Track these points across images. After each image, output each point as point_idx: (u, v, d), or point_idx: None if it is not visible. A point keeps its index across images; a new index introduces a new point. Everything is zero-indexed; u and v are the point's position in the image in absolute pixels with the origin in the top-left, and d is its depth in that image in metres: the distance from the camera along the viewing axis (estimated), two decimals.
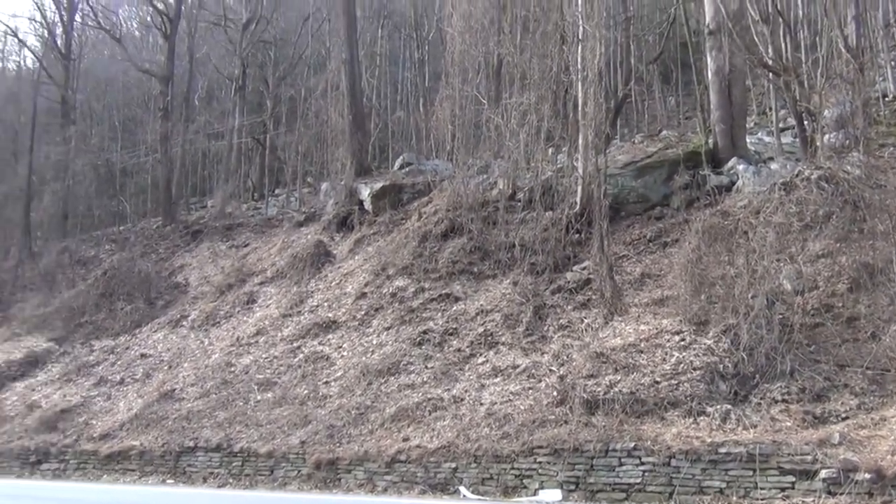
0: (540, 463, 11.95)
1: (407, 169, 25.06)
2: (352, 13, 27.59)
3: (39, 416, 19.85)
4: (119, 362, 21.69)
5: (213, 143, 35.59)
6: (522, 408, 13.26)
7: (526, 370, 14.39)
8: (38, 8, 38.33)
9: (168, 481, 15.93)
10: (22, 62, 46.07)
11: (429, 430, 13.56)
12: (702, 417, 11.45)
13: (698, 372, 12.25)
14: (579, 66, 17.90)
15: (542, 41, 19.57)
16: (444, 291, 17.93)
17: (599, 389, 12.51)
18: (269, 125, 33.67)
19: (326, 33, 33.79)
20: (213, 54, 37.39)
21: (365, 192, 23.65)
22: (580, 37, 17.95)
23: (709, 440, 10.77)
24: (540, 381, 13.92)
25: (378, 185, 23.54)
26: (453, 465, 12.70)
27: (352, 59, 26.73)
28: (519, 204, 19.35)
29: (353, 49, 27.17)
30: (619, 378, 12.66)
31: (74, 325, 24.88)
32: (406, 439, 13.50)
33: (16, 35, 41.60)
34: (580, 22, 17.96)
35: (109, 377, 20.95)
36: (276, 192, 32.69)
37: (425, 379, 15.29)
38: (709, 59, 19.38)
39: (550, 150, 20.28)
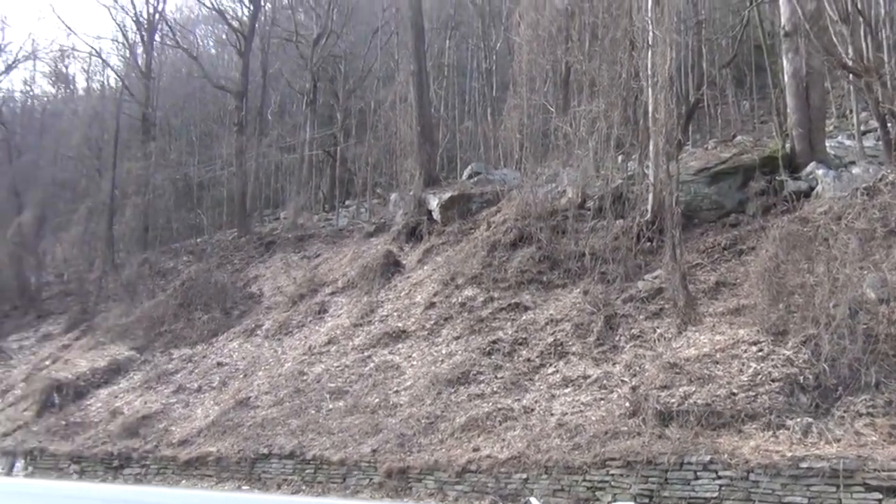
0: (612, 475, 11.77)
1: (475, 179, 25.11)
2: (419, 25, 27.84)
3: (122, 422, 20.57)
4: (196, 370, 22.29)
5: (285, 156, 36.37)
6: (594, 419, 13.10)
7: (597, 380, 14.21)
8: (121, 29, 39.81)
9: (243, 487, 16.28)
10: (105, 82, 48.02)
11: (499, 441, 13.51)
12: (781, 431, 11.09)
13: (777, 384, 11.88)
14: (649, 72, 17.65)
15: (611, 48, 19.36)
16: (513, 301, 17.87)
17: (673, 401, 12.26)
18: (340, 137, 34.24)
19: (395, 46, 34.19)
20: (285, 69, 38.28)
21: (434, 203, 23.78)
22: (650, 42, 17.71)
23: (789, 454, 10.42)
24: (611, 391, 13.73)
25: (447, 195, 23.64)
26: (524, 475, 12.62)
27: (420, 70, 26.96)
28: (588, 212, 19.16)
29: (421, 61, 27.40)
30: (693, 389, 12.38)
31: (154, 334, 25.69)
32: (476, 449, 13.49)
33: (100, 56, 43.45)
34: (650, 27, 17.72)
35: (187, 385, 21.55)
36: (347, 203, 33.18)
37: (495, 389, 15.25)
38: (785, 62, 18.85)
39: (620, 158, 20.02)
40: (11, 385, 26.85)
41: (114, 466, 19.28)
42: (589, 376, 14.44)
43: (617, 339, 15.36)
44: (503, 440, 13.48)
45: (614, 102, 18.87)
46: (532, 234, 19.30)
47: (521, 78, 22.18)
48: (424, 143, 25.94)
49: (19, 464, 21.48)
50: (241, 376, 20.69)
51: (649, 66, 17.71)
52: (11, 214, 38.04)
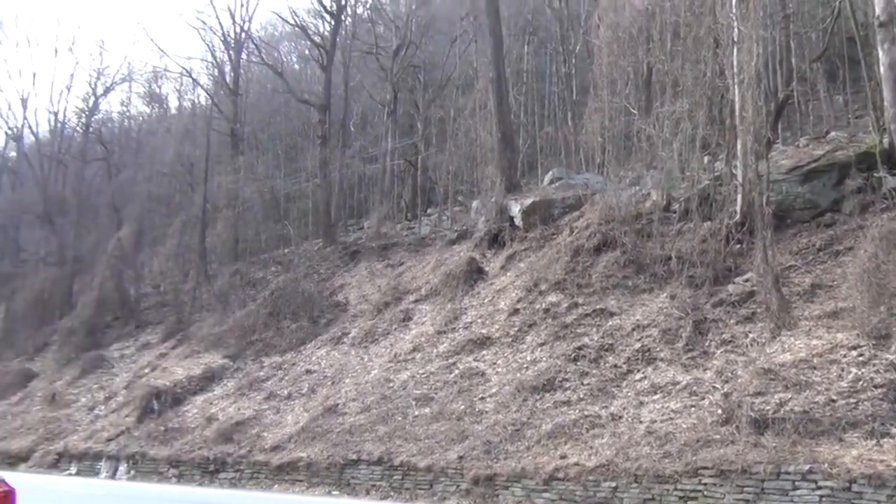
0: (705, 484, 11.47)
1: (557, 184, 24.93)
2: (498, 33, 27.89)
3: (217, 428, 21.27)
4: (286, 378, 22.86)
5: (367, 166, 36.98)
6: (684, 426, 12.80)
7: (687, 387, 13.88)
8: (209, 49, 41.14)
9: (333, 493, 16.58)
10: (196, 100, 49.88)
11: (587, 448, 13.36)
12: (886, 439, 10.59)
13: (880, 390, 11.35)
14: (735, 70, 17.17)
15: (695, 46, 18.91)
16: (598, 306, 17.65)
17: (768, 408, 11.86)
18: (421, 147, 34.60)
19: (473, 54, 34.33)
20: (366, 81, 38.96)
21: (515, 209, 23.73)
22: (735, 39, 17.23)
23: (895, 464, 9.94)
24: (703, 398, 13.39)
25: (528, 201, 23.55)
26: (613, 484, 12.44)
27: (499, 77, 26.99)
28: (674, 215, 18.77)
29: (500, 67, 27.42)
30: (789, 396, 11.95)
31: (246, 342, 26.47)
32: (563, 457, 13.37)
33: (190, 75, 44.97)
34: (735, 24, 17.25)
35: (278, 392, 22.12)
36: (429, 211, 33.47)
37: (581, 395, 15.09)
38: (880, 53, 17.98)
39: (706, 159, 19.54)
40: (114, 392, 28.16)
41: (210, 471, 19.95)
42: (678, 383, 14.12)
43: (707, 344, 14.98)
44: (591, 448, 13.32)
45: (699, 102, 18.43)
46: (616, 239, 19.02)
47: (602, 81, 21.91)
48: (505, 150, 25.93)
49: (122, 468, 22.49)
50: (329, 383, 21.11)
51: (735, 63, 17.23)
52: (111, 230, 39.99)
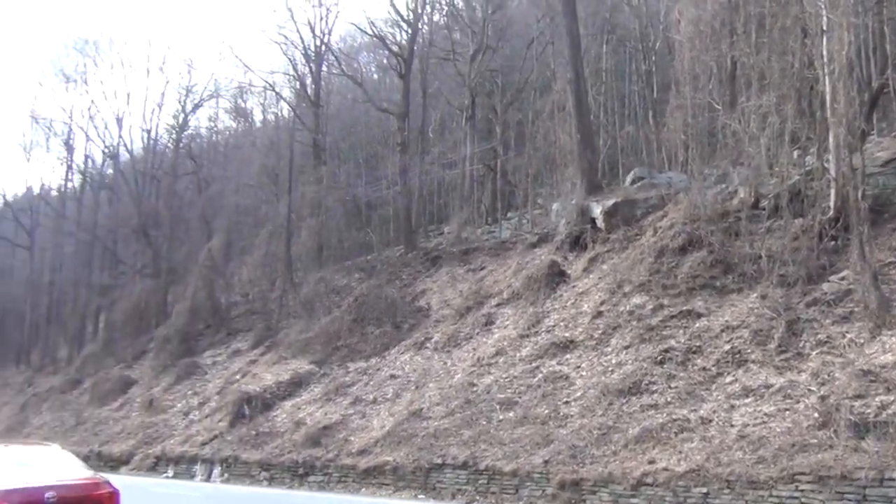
0: (802, 491, 11.05)
1: (639, 184, 24.49)
2: (575, 33, 27.62)
3: (305, 433, 21.73)
4: (371, 383, 23.17)
5: (447, 172, 37.18)
6: (779, 430, 12.36)
7: (781, 390, 13.40)
8: (291, 63, 42.13)
9: (419, 496, 16.70)
10: (279, 113, 51.17)
11: (676, 453, 13.05)
12: None
13: None
14: (825, 59, 16.50)
15: (781, 37, 18.28)
16: (684, 308, 17.23)
17: (869, 411, 11.34)
18: (499, 151, 34.57)
19: (550, 55, 34.09)
20: (444, 88, 39.20)
21: (597, 210, 23.42)
22: (824, 27, 16.58)
23: None
24: (798, 401, 12.90)
25: (610, 202, 23.22)
26: (704, 489, 12.11)
27: (577, 77, 26.72)
28: (763, 212, 18.16)
29: (578, 68, 27.14)
30: (892, 399, 11.40)
31: (332, 348, 26.97)
32: (652, 461, 13.09)
33: (273, 89, 46.10)
34: (823, 12, 16.59)
35: (363, 396, 22.43)
36: (509, 215, 33.39)
37: (669, 399, 14.75)
38: None
39: (796, 153, 18.83)
40: (207, 398, 29.13)
41: (299, 474, 20.40)
42: (771, 385, 13.65)
43: (801, 345, 14.42)
44: (680, 452, 13.01)
45: (787, 95, 17.80)
46: (702, 238, 18.54)
47: (684, 77, 21.43)
48: (585, 151, 25.63)
49: (216, 470, 23.23)
50: (413, 388, 21.28)
51: (825, 53, 16.57)
52: (202, 241, 41.45)
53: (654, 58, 31.27)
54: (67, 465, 8.95)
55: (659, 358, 16.08)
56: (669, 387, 15.11)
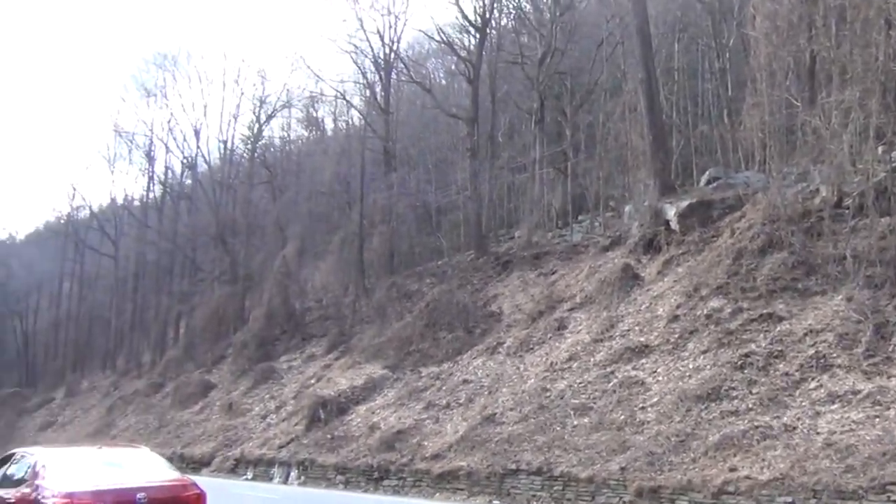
0: (894, 501, 10.57)
1: (714, 184, 23.91)
2: (646, 32, 27.17)
3: (379, 437, 21.95)
4: (444, 387, 23.24)
5: (516, 176, 37.08)
6: (868, 438, 11.88)
7: (869, 396, 12.88)
8: (361, 71, 42.75)
9: (494, 502, 16.66)
10: (350, 121, 51.98)
11: (758, 461, 12.67)
12: None
13: None
14: None
15: (864, 30, 17.62)
16: (765, 311, 16.72)
17: None
18: (569, 153, 34.26)
19: (620, 56, 33.66)
20: (513, 92, 39.10)
21: (671, 212, 22.97)
22: None
23: None
24: (887, 408, 12.38)
25: (685, 203, 22.73)
26: (788, 499, 11.73)
27: (648, 77, 26.26)
28: (847, 211, 17.50)
29: (650, 67, 26.68)
30: None
31: (404, 353, 27.17)
32: (733, 469, 12.75)
33: (344, 98, 46.84)
34: None
35: (436, 401, 22.52)
36: (580, 218, 33.06)
37: (750, 405, 14.35)
38: None
39: (881, 149, 18.09)
40: (284, 402, 29.73)
41: (374, 478, 20.62)
42: (859, 391, 13.13)
43: (891, 349, 13.84)
44: (763, 460, 12.62)
45: (871, 89, 17.13)
46: (783, 239, 17.97)
47: (760, 74, 20.84)
48: (657, 152, 25.17)
49: (293, 473, 23.68)
50: (486, 393, 21.25)
51: None
52: (277, 248, 42.38)
53: (727, 55, 30.47)
54: (156, 467, 9.24)
55: (739, 363, 15.65)
56: (750, 393, 14.69)
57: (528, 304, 25.55)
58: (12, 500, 8.44)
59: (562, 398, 18.37)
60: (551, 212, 35.18)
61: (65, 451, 9.85)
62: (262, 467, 25.40)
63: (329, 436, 23.99)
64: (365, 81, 42.85)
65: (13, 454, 9.61)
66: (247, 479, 24.92)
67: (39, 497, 8.06)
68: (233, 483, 23.18)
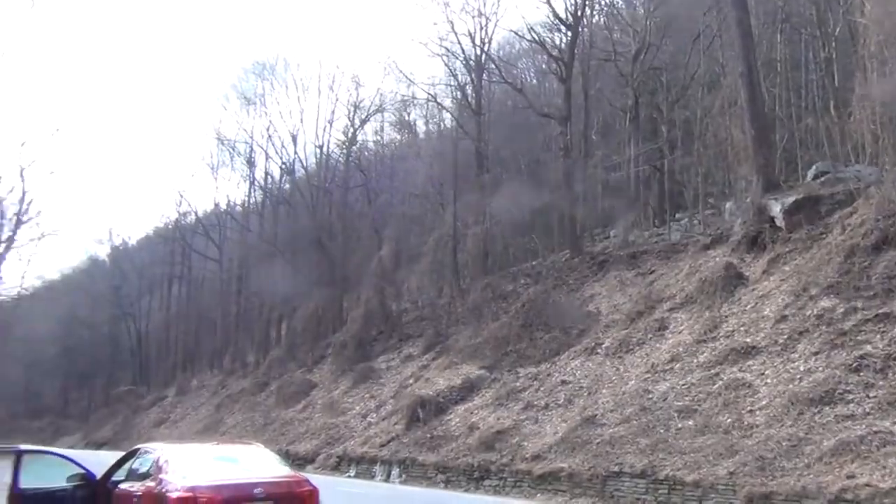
0: None
1: (822, 179, 23.02)
2: (746, 24, 26.33)
3: (479, 437, 22.11)
4: (542, 388, 23.20)
5: (611, 174, 36.60)
6: None
7: None
8: (452, 73, 43.10)
9: None
10: (441, 124, 52.46)
11: (878, 468, 12.16)
12: None
13: None
14: None
15: None
16: (881, 311, 16.00)
17: None
18: (666, 150, 33.60)
19: (718, 49, 32.75)
20: (606, 89, 38.64)
21: (776, 208, 22.22)
22: None
23: None
24: None
25: (790, 199, 21.95)
26: None
27: (749, 70, 25.45)
28: None
29: (751, 60, 25.83)
30: None
31: (501, 353, 27.25)
32: (851, 476, 12.27)
33: (435, 100, 47.35)
34: None
35: (535, 402, 22.51)
36: (677, 216, 32.38)
37: (868, 409, 13.78)
38: None
39: None
40: (383, 401, 30.31)
41: (475, 477, 20.80)
42: None
43: None
44: (884, 467, 12.10)
45: None
46: None
47: (871, 62, 19.94)
48: (760, 147, 24.37)
49: (395, 471, 24.12)
50: (586, 394, 21.12)
51: None
52: (373, 250, 43.22)
53: (833, 44, 29.22)
54: (270, 463, 9.60)
55: (854, 365, 15.03)
56: (867, 396, 14.10)
57: (626, 304, 25.23)
58: (139, 493, 8.90)
59: (664, 400, 18.08)
60: (648, 210, 34.60)
61: (185, 447, 10.30)
62: (364, 465, 25.98)
63: (429, 435, 24.32)
64: (456, 83, 43.19)
65: (137, 450, 10.12)
66: (349, 477, 25.54)
67: (164, 490, 8.45)
68: (338, 480, 23.79)
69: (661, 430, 16.99)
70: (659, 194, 34.12)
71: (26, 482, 8.67)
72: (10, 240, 51.80)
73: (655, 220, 33.48)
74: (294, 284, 50.14)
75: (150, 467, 9.10)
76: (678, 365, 19.34)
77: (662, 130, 34.24)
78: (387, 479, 24.28)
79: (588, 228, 35.83)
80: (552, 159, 38.08)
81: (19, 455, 9.15)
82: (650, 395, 18.65)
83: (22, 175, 52.55)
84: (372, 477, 24.96)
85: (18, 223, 51.84)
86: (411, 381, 30.54)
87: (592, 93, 37.33)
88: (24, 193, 51.60)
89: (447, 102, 46.55)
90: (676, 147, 33.50)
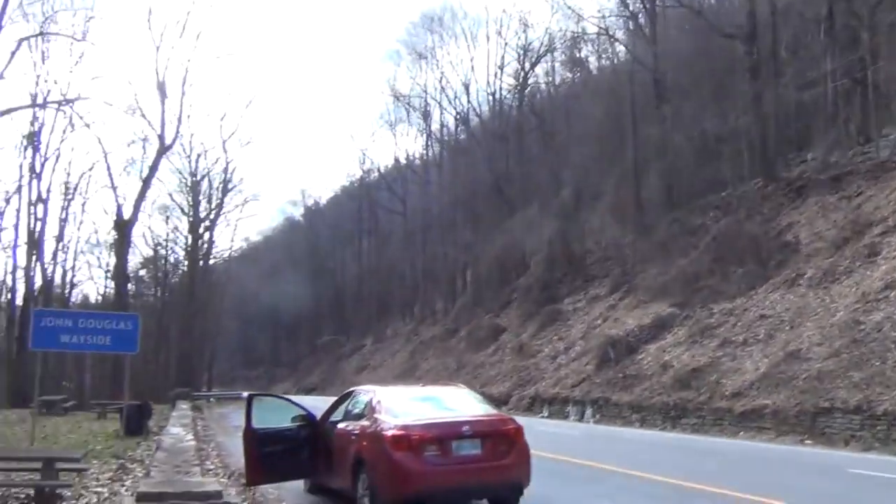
0: None
1: None
2: None
3: (673, 375, 21.65)
4: (739, 324, 22.23)
5: (805, 93, 33.75)
6: None
7: None
8: (623, 2, 41.31)
9: (806, 442, 15.76)
10: (614, 58, 50.65)
11: None
12: None
13: None
14: None
15: None
16: None
17: None
18: (868, 60, 30.44)
19: None
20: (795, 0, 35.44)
21: None
22: None
23: None
24: None
25: None
26: None
27: None
28: None
29: None
30: None
31: (691, 290, 26.35)
32: None
33: (607, 33, 45.66)
34: None
35: (732, 338, 21.62)
36: (885, 132, 29.37)
37: None
38: None
39: None
40: (572, 342, 30.39)
41: (671, 416, 20.46)
42: None
43: None
44: None
45: None
46: None
47: None
48: None
49: (589, 411, 24.24)
50: (788, 328, 20.01)
51: None
52: (552, 194, 42.92)
53: None
54: (475, 403, 9.92)
55: None
56: None
57: (829, 231, 23.46)
58: (356, 432, 9.51)
59: (879, 331, 16.73)
60: (849, 128, 31.65)
61: (395, 389, 10.86)
62: (556, 406, 26.30)
63: (621, 374, 24.14)
64: (628, 13, 41.44)
65: (351, 392, 10.80)
66: (543, 417, 25.95)
67: (379, 429, 8.97)
68: (532, 421, 24.23)
69: (877, 363, 15.79)
70: (862, 109, 31.03)
71: (258, 422, 9.56)
72: (220, 206, 56.79)
73: (860, 138, 30.58)
74: (476, 232, 51.08)
75: (364, 408, 9.67)
76: (894, 293, 17.79)
77: (863, 38, 30.96)
78: (580, 419, 24.44)
79: (782, 153, 33.45)
80: (738, 82, 35.68)
81: (250, 399, 10.11)
82: (862, 327, 17.33)
83: (224, 147, 57.17)
84: (565, 417, 25.22)
85: (224, 191, 56.63)
86: (599, 321, 30.34)
87: (780, 6, 34.42)
88: (227, 164, 56.22)
89: (620, 34, 44.85)
90: (879, 56, 30.23)
